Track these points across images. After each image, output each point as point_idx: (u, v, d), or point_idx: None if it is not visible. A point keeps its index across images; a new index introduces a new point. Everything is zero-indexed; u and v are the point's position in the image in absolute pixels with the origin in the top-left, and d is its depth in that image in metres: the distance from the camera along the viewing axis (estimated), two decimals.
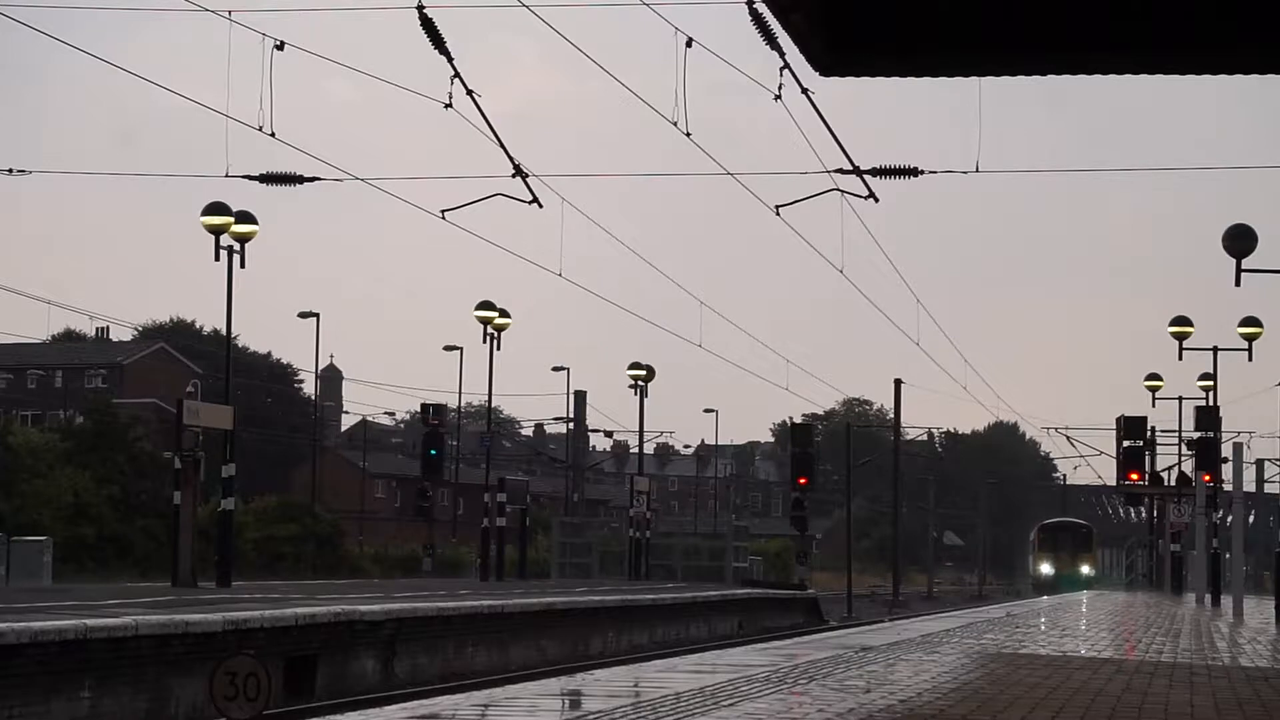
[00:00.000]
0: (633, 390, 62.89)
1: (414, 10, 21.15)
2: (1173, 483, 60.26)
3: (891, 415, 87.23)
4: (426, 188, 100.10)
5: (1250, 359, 44.21)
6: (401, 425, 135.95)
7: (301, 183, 29.67)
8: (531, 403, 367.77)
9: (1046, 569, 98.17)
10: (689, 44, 23.19)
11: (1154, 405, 59.28)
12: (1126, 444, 57.05)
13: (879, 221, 58.45)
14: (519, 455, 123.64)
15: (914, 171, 25.74)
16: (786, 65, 19.07)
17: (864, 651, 18.86)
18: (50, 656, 18.07)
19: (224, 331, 40.93)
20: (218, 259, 36.51)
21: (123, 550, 60.08)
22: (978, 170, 27.52)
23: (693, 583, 56.16)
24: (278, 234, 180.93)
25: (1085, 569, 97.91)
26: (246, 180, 29.49)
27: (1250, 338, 43.95)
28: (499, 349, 52.46)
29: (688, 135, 25.00)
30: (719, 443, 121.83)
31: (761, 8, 12.56)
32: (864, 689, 13.76)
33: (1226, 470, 42.52)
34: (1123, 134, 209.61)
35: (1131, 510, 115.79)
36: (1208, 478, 47.49)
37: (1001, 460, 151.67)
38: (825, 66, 8.79)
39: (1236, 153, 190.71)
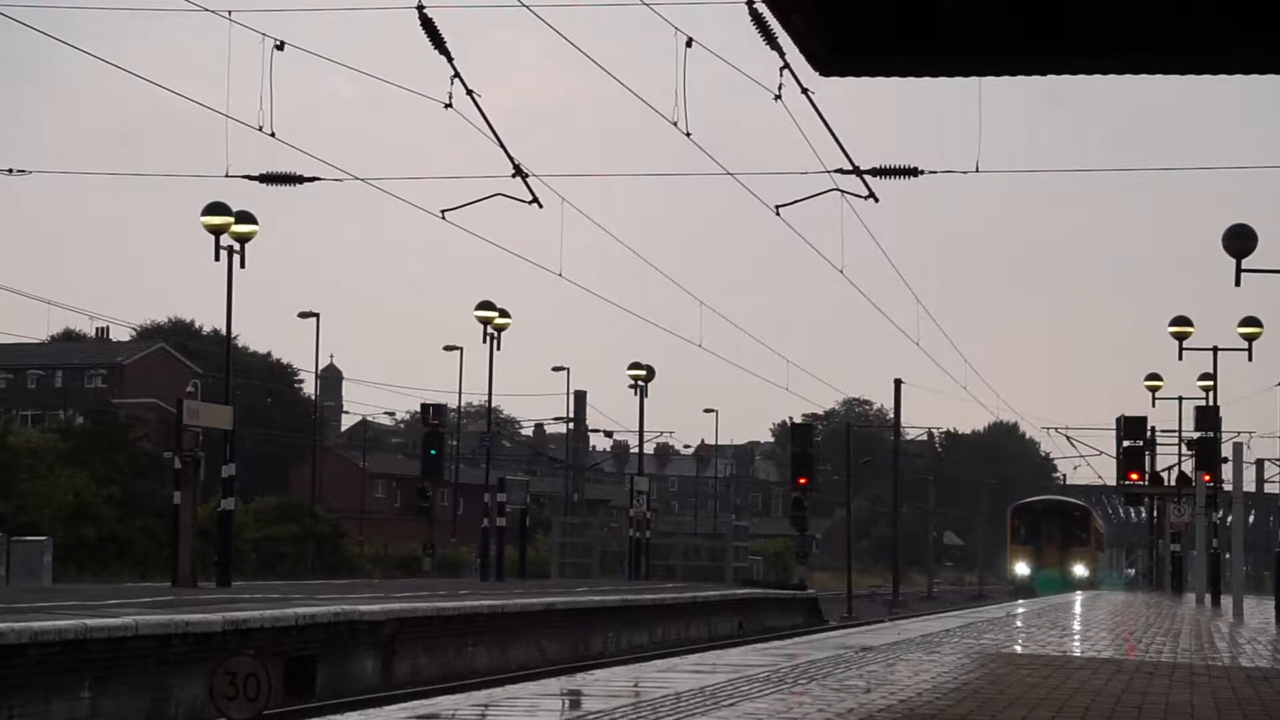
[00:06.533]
0: (633, 390, 62.91)
1: (414, 10, 21.16)
2: (1173, 483, 60.21)
3: (891, 415, 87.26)
4: (426, 188, 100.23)
5: (1250, 359, 44.19)
6: (401, 425, 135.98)
7: (301, 183, 29.68)
8: (531, 403, 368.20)
9: (1022, 568, 76.61)
10: (689, 44, 23.21)
11: (1154, 405, 59.24)
12: (1126, 444, 57.03)
13: (879, 221, 58.53)
14: (519, 455, 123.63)
15: (914, 171, 25.75)
16: (786, 65, 19.09)
17: (864, 651, 18.85)
18: (50, 656, 18.06)
19: (224, 331, 40.96)
20: (218, 259, 36.52)
21: (123, 550, 60.06)
22: (978, 170, 27.55)
23: (693, 583, 56.14)
24: (278, 234, 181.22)
25: (1078, 568, 76.35)
26: (246, 180, 29.54)
27: (1250, 338, 43.91)
28: (499, 349, 52.49)
29: (688, 135, 25.02)
30: (719, 443, 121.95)
31: (761, 8, 12.56)
32: (864, 689, 13.75)
33: (1226, 470, 42.51)
34: (1122, 134, 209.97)
35: (1131, 510, 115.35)
36: (1208, 478, 47.46)
37: (1001, 460, 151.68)
38: (825, 66, 8.78)
39: (1236, 153, 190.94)
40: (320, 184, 30.37)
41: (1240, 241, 29.58)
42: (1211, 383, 51.58)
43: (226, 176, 29.57)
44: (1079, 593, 59.81)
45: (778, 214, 27.75)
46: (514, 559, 56.72)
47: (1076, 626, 27.91)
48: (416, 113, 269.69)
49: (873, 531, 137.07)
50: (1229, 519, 41.41)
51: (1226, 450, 44.84)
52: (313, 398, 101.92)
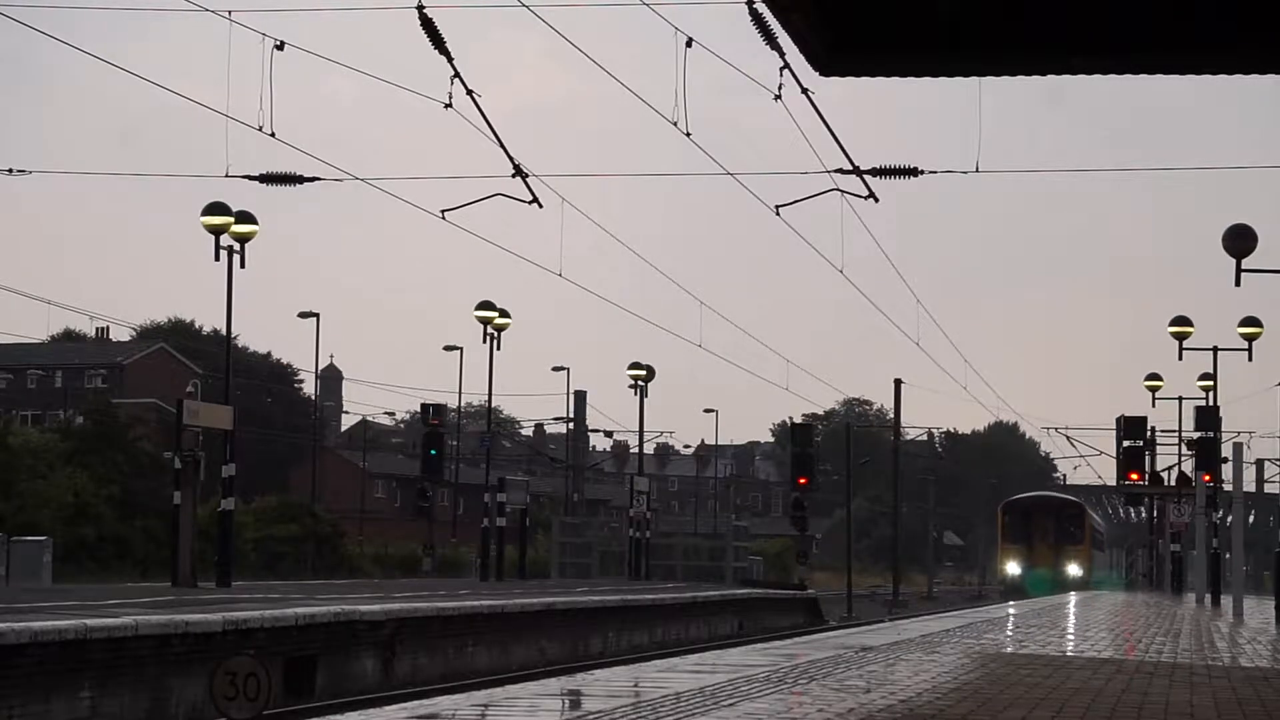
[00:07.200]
0: (633, 390, 62.90)
1: (414, 10, 21.16)
2: (1173, 483, 60.22)
3: (891, 415, 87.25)
4: (426, 188, 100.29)
5: (1250, 359, 44.19)
6: (401, 425, 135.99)
7: (301, 183, 29.68)
8: (531, 403, 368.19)
9: (1013, 568, 73.99)
10: (689, 44, 23.20)
11: (1154, 405, 59.21)
12: (1126, 444, 57.03)
13: (879, 221, 58.48)
14: (519, 455, 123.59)
15: (914, 171, 25.75)
16: (786, 65, 19.08)
17: (864, 651, 18.85)
18: (50, 656, 18.06)
19: (224, 331, 40.95)
20: (218, 259, 36.51)
21: (123, 550, 60.07)
22: (978, 170, 27.52)
23: (693, 583, 56.13)
24: (278, 234, 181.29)
25: (1072, 568, 73.65)
26: (246, 180, 29.53)
27: (1250, 338, 43.91)
28: (499, 349, 52.50)
29: (688, 135, 25.01)
30: (719, 443, 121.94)
31: (761, 8, 12.56)
32: (864, 689, 13.75)
33: (1226, 470, 42.51)
34: (1122, 134, 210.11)
35: (1131, 510, 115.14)
36: (1208, 478, 47.46)
37: (1001, 460, 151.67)
38: (825, 66, 8.79)
39: (1236, 153, 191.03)
40: (320, 184, 30.37)
41: (1240, 241, 29.57)
42: (1211, 383, 51.56)
43: (226, 176, 29.58)
44: (1073, 593, 58.97)
45: (778, 214, 27.77)
46: (514, 559, 56.70)
47: (1077, 627, 27.91)
48: (416, 113, 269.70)
49: (873, 531, 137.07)
50: (1229, 519, 41.40)
51: (1226, 450, 44.84)
52: (313, 398, 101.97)
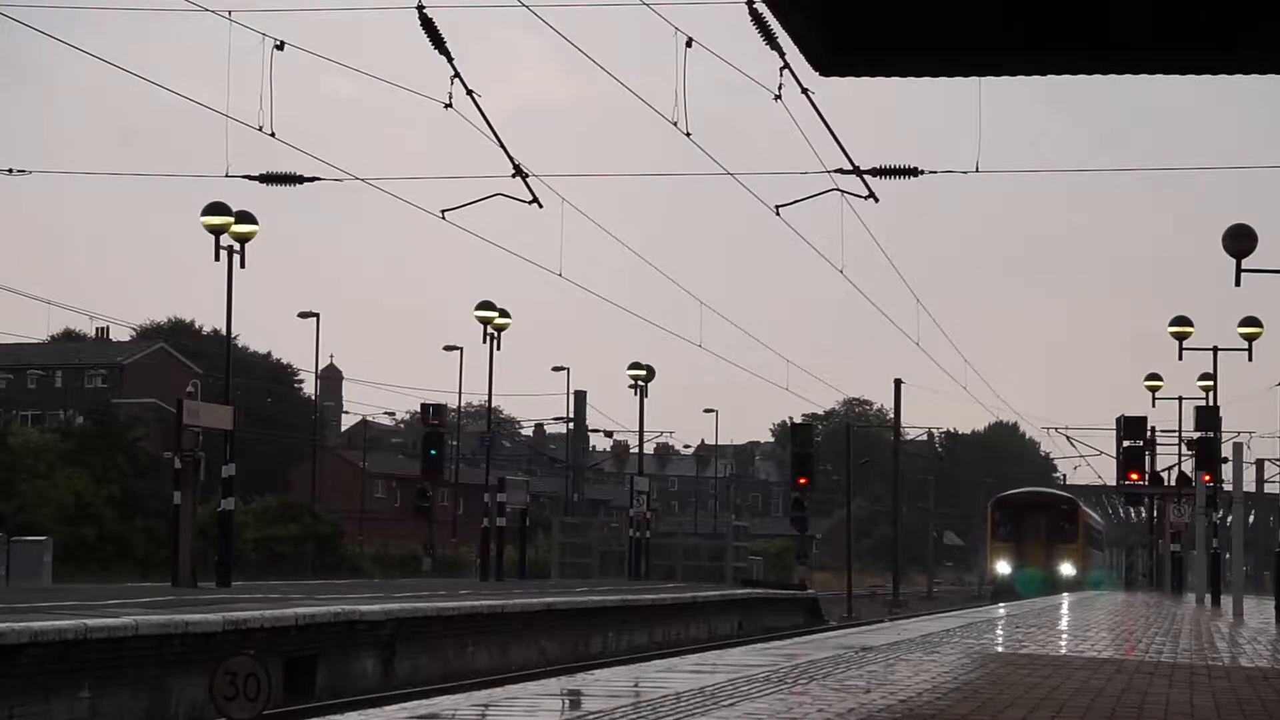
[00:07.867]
0: (633, 390, 62.89)
1: (414, 10, 21.18)
2: (1173, 483, 60.22)
3: (891, 415, 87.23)
4: (426, 188, 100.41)
5: (1250, 359, 44.20)
6: (401, 425, 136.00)
7: (301, 183, 29.69)
8: (531, 403, 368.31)
9: (1003, 567, 70.76)
10: (689, 44, 23.22)
11: (1154, 405, 59.18)
12: (1126, 444, 57.02)
13: (879, 221, 58.47)
14: (519, 455, 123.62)
15: (914, 171, 25.78)
16: (786, 65, 19.11)
17: (864, 651, 18.85)
18: (50, 656, 18.05)
19: (224, 331, 40.94)
20: (218, 259, 36.52)
21: (123, 550, 60.10)
22: (978, 170, 27.56)
23: (693, 583, 56.12)
24: (278, 234, 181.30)
25: (1065, 567, 70.59)
26: (246, 180, 29.54)
27: (1250, 338, 43.91)
28: (499, 349, 52.50)
29: (688, 135, 25.02)
30: (719, 443, 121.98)
31: (761, 8, 12.57)
32: (864, 689, 13.75)
33: (1226, 470, 42.50)
34: (1122, 134, 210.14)
35: (1131, 510, 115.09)
36: (1208, 478, 47.46)
37: (1001, 460, 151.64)
38: (825, 66, 8.79)
39: (1236, 153, 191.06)
40: (320, 184, 30.39)
41: (1240, 241, 29.57)
42: (1211, 383, 51.56)
43: (226, 176, 29.59)
44: (1066, 594, 57.30)
45: (778, 214, 27.79)
46: (514, 559, 56.69)
47: (1076, 627, 27.91)
48: (416, 113, 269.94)
49: (873, 531, 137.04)
50: (1229, 519, 41.41)
51: (1226, 450, 44.84)
52: (313, 398, 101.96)
